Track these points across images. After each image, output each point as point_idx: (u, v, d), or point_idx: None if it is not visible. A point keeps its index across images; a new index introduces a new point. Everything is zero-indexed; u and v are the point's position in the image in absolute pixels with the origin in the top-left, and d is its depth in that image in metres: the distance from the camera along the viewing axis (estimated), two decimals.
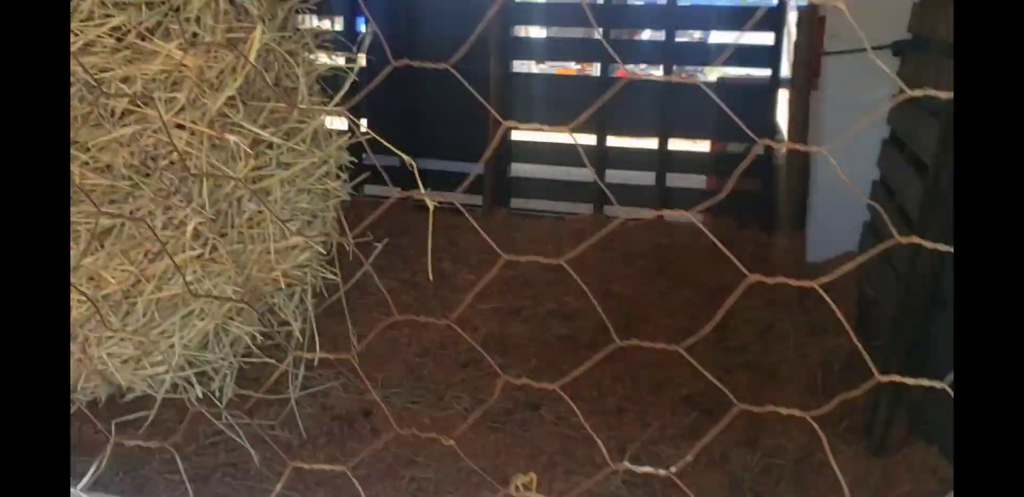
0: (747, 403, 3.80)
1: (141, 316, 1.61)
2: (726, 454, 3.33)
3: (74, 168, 1.52)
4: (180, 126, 1.55)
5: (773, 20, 4.90)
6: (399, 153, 1.70)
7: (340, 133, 1.88)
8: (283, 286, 1.81)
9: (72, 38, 1.51)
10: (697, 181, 5.41)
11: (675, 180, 5.25)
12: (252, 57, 1.65)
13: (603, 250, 4.86)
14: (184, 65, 1.53)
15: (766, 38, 4.92)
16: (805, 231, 4.99)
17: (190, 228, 1.59)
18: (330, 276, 1.90)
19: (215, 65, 1.56)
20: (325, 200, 1.82)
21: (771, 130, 5.06)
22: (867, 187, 4.47)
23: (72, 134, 1.53)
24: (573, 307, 4.47)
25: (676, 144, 5.26)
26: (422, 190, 1.59)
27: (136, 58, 1.55)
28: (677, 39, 5.10)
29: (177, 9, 1.60)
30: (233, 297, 1.67)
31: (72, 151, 1.54)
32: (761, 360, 3.89)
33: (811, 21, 4.71)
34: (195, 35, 1.59)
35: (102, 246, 1.58)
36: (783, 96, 5.08)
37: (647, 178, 5.21)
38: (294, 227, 1.74)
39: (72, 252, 1.56)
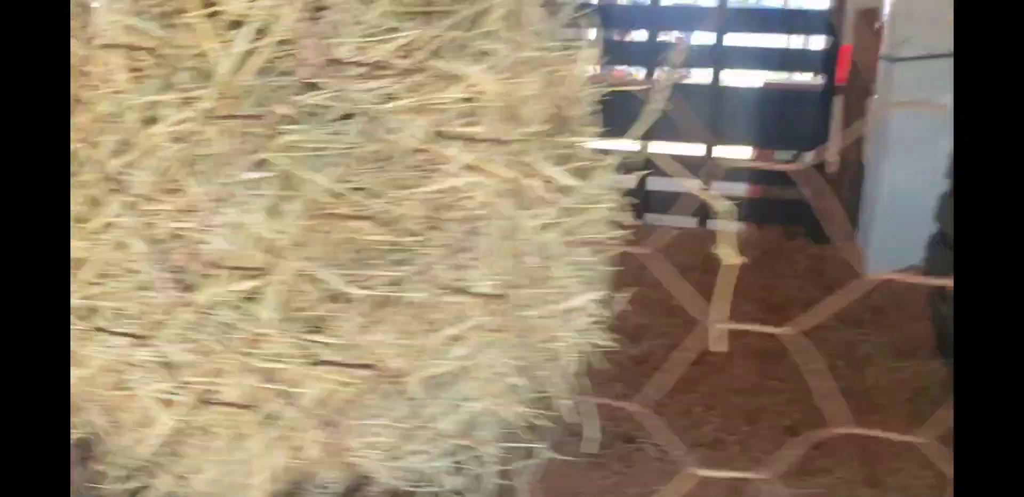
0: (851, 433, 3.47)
1: (408, 399, 1.30)
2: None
3: (360, 224, 1.18)
4: (470, 167, 1.24)
5: (828, 23, 4.73)
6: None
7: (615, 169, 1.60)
8: (569, 357, 1.52)
9: (355, 57, 1.18)
10: (740, 189, 5.23)
11: (718, 188, 5.04)
12: (578, 83, 1.34)
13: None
14: (482, 92, 1.22)
15: (819, 42, 4.75)
16: (856, 243, 4.85)
17: (482, 291, 1.28)
18: (609, 343, 1.62)
19: (519, 92, 1.24)
20: (601, 252, 1.53)
21: (826, 138, 4.90)
22: (933, 200, 4.35)
23: (353, 179, 1.19)
24: (636, 324, 4.22)
25: (720, 151, 5.07)
26: (720, 246, 1.34)
27: (425, 83, 1.22)
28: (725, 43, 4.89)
29: (473, 20, 1.28)
30: (514, 374, 1.37)
31: (360, 200, 1.20)
32: (853, 386, 3.72)
33: (868, 24, 4.57)
34: (484, 54, 1.27)
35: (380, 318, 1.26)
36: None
37: (690, 185, 4.99)
38: (576, 285, 1.45)
39: (347, 327, 1.24)
